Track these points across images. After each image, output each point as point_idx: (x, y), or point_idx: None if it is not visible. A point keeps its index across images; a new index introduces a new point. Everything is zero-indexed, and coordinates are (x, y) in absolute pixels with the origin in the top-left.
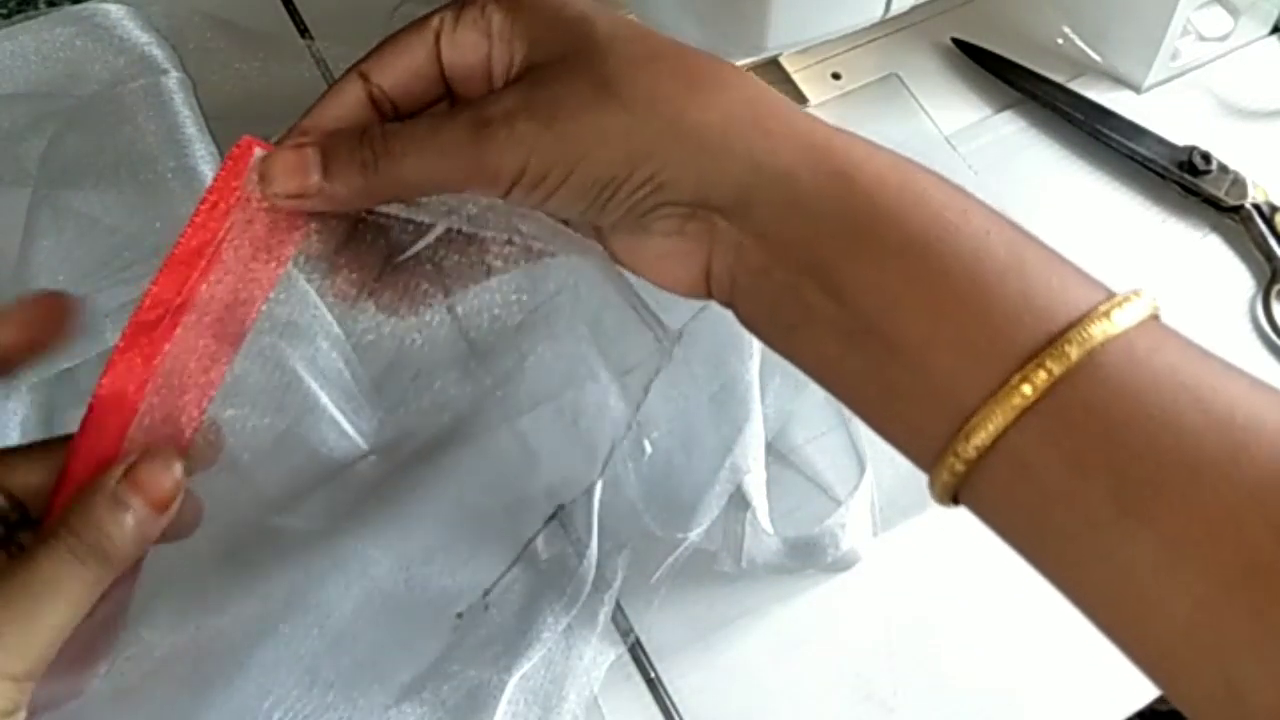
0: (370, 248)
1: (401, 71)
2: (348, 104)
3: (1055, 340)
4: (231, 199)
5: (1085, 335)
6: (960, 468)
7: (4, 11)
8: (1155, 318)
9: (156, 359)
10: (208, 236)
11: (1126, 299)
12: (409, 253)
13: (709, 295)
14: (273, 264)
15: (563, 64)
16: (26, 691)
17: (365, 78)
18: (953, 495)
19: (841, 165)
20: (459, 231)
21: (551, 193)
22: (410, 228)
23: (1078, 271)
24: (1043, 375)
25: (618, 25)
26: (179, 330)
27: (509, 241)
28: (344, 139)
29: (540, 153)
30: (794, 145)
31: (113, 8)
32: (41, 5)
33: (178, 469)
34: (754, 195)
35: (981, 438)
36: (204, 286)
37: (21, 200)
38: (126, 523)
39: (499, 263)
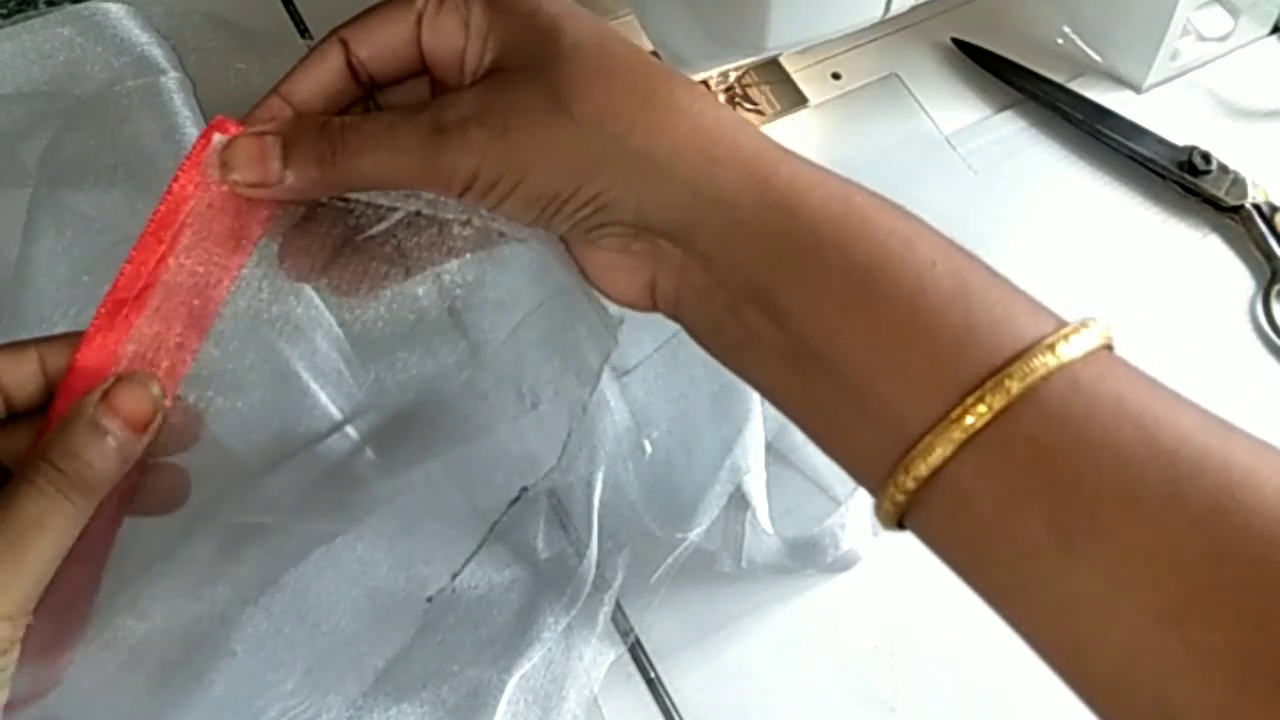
0: (328, 227)
1: (381, 46)
2: (327, 70)
3: (997, 373)
4: (199, 177)
5: (1027, 369)
6: (901, 497)
7: (4, 11)
8: (1107, 347)
9: (126, 334)
10: (176, 215)
11: (1075, 330)
12: (368, 232)
13: (655, 309)
14: (239, 247)
15: (524, 72)
16: (20, 628)
17: (345, 45)
18: (897, 521)
19: (784, 195)
20: (419, 213)
21: (502, 199)
22: (371, 210)
23: (1027, 301)
24: (983, 409)
25: (584, 35)
26: (146, 309)
27: (468, 223)
28: (305, 130)
29: (490, 161)
30: (738, 174)
31: (113, 7)
32: (41, 5)
33: (155, 388)
34: (695, 221)
35: (921, 469)
36: (168, 267)
37: (21, 200)
38: (107, 447)
39: (459, 244)
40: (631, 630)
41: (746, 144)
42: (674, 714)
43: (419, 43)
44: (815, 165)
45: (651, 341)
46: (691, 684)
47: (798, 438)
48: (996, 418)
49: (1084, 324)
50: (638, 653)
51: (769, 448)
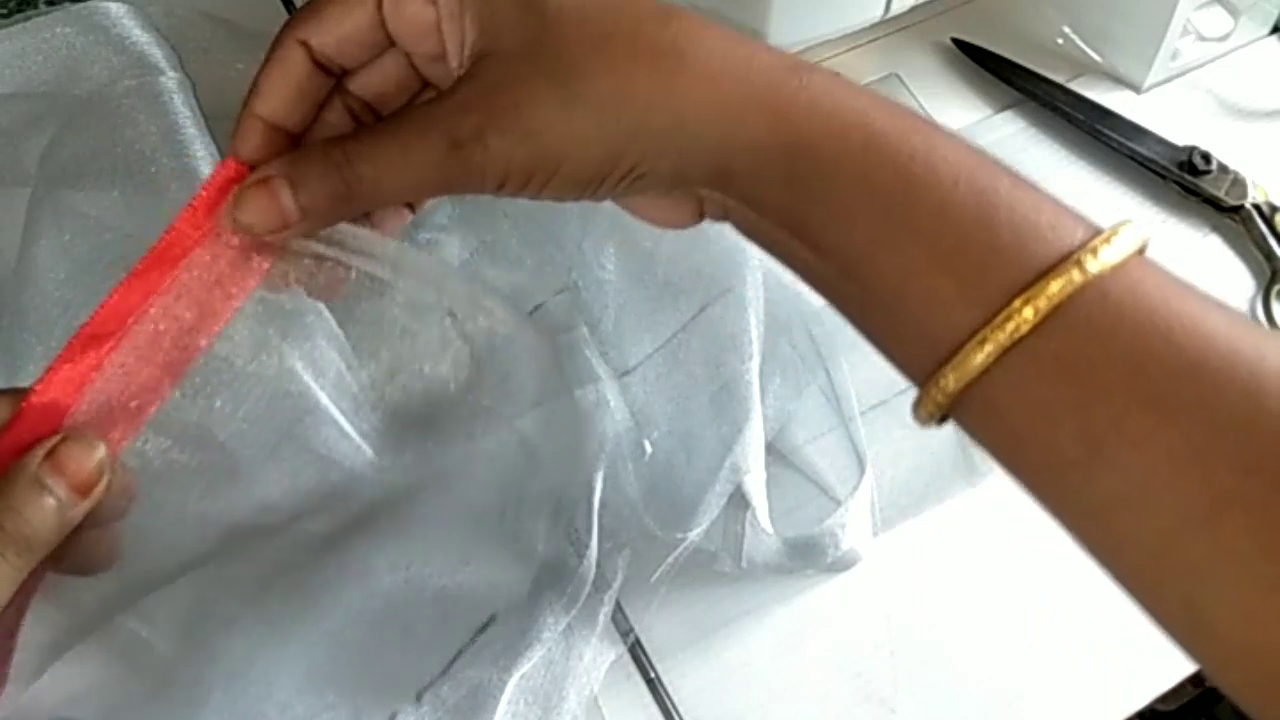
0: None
1: (343, 38)
2: (293, 76)
3: (1023, 292)
4: (207, 223)
5: (1054, 287)
6: (933, 408)
7: (4, 11)
8: (1140, 252)
9: (95, 370)
10: (171, 257)
11: (1105, 240)
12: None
13: (701, 222)
14: (230, 300)
15: (519, 60)
16: None
17: (305, 44)
18: (938, 421)
19: (804, 133)
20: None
21: (540, 189)
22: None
23: (1055, 211)
24: (1010, 327)
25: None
26: (121, 349)
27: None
28: (311, 166)
29: (518, 164)
30: (759, 119)
31: (113, 6)
32: (41, 4)
33: (101, 450)
34: (728, 170)
35: (951, 385)
36: (149, 313)
37: (21, 200)
38: (48, 507)
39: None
40: (631, 630)
41: (759, 81)
42: (674, 714)
43: (383, 27)
44: (830, 79)
45: (651, 342)
46: (691, 684)
47: (798, 438)
48: (1025, 336)
49: (1114, 231)
50: (638, 653)
51: (769, 448)
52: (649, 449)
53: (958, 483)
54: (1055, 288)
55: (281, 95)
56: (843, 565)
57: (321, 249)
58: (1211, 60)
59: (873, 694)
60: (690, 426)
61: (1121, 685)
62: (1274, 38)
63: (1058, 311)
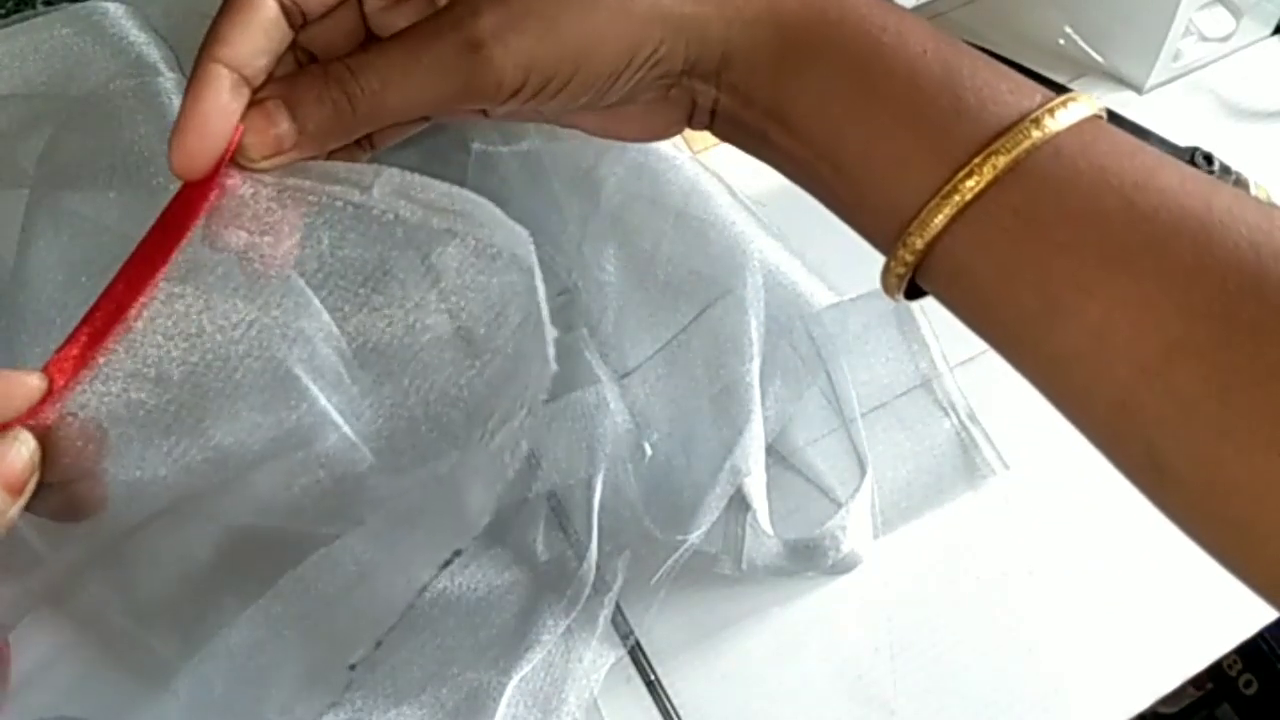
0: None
1: None
2: (265, 24)
3: (984, 149)
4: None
5: (1012, 144)
6: (901, 270)
7: (2, 11)
8: (1096, 118)
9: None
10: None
11: (1061, 104)
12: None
13: (680, 134)
14: (172, 234)
15: None
16: None
17: None
18: (902, 292)
19: (791, 8)
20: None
21: (552, 97)
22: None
23: (1016, 80)
24: (971, 184)
25: None
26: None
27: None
28: (309, 84)
29: (540, 65)
30: (756, 3)
31: (111, 7)
32: (39, 4)
33: (30, 444)
34: (730, 55)
35: (917, 243)
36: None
37: (19, 201)
38: None
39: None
40: (631, 633)
41: None
42: (674, 716)
43: None
44: None
45: (652, 344)
46: (692, 686)
47: (798, 440)
48: (984, 191)
49: (1071, 97)
50: (638, 655)
51: (769, 450)
52: (649, 451)
53: (958, 485)
54: (1012, 144)
55: (254, 44)
56: (843, 568)
57: (289, 180)
58: (1214, 61)
59: (873, 697)
60: (690, 428)
61: (1123, 687)
62: (1276, 38)
63: (1016, 168)
